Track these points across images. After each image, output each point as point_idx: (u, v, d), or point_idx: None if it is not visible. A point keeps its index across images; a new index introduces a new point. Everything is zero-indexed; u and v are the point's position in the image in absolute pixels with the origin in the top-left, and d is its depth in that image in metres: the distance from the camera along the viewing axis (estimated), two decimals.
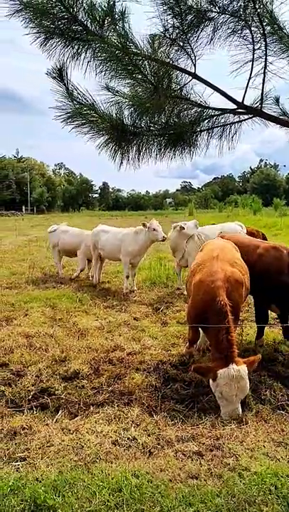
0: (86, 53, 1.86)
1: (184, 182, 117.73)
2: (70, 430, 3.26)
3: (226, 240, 5.17)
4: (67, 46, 1.87)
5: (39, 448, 3.02)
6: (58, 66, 1.87)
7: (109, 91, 1.92)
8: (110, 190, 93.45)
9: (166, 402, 3.80)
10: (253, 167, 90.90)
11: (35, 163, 76.25)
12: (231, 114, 1.97)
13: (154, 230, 7.89)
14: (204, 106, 1.95)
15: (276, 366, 4.49)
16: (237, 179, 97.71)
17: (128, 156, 2.05)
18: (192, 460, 2.88)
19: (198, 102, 1.94)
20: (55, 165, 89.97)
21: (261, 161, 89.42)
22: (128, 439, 3.13)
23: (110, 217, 42.23)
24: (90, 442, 3.06)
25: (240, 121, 2.01)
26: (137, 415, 3.49)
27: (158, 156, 2.05)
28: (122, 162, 2.07)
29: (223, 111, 1.95)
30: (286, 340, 5.33)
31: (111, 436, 3.15)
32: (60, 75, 1.87)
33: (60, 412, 3.62)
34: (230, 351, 3.57)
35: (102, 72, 1.84)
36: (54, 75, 1.88)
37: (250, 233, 7.68)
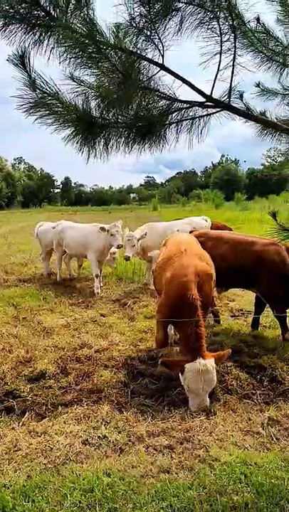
0: (49, 40, 1.76)
1: (148, 177, 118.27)
2: (37, 433, 3.17)
3: (189, 234, 5.25)
4: (29, 32, 1.77)
5: (6, 453, 2.92)
6: (20, 53, 1.76)
7: (74, 81, 1.83)
8: (73, 185, 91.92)
9: (135, 398, 3.80)
10: (214, 162, 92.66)
11: None
12: (200, 108, 1.96)
13: (112, 235, 7.42)
14: (173, 98, 1.91)
15: (242, 356, 4.59)
16: (199, 174, 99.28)
17: (95, 149, 1.98)
18: (163, 454, 2.89)
19: (168, 94, 1.90)
20: (14, 159, 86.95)
21: (223, 156, 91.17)
22: (98, 437, 3.09)
23: (73, 212, 41.53)
24: (59, 444, 3.00)
25: (209, 115, 2.00)
26: (107, 413, 3.46)
27: (126, 149, 2.00)
28: (89, 156, 2.00)
29: (192, 104, 1.92)
30: (251, 331, 5.49)
31: (81, 436, 3.09)
32: (22, 62, 1.76)
33: (26, 415, 3.50)
34: (198, 345, 3.62)
35: (66, 60, 1.75)
36: (16, 61, 1.77)
37: (216, 227, 7.81)
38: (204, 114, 1.98)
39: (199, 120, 1.99)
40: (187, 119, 1.97)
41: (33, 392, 3.91)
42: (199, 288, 3.91)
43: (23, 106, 1.83)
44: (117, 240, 7.39)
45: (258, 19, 2.19)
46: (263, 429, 3.16)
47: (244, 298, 7.27)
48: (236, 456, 2.77)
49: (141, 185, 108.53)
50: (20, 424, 3.36)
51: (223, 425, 3.24)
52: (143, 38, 1.74)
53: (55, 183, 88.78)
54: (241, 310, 6.70)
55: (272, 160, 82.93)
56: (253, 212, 25.16)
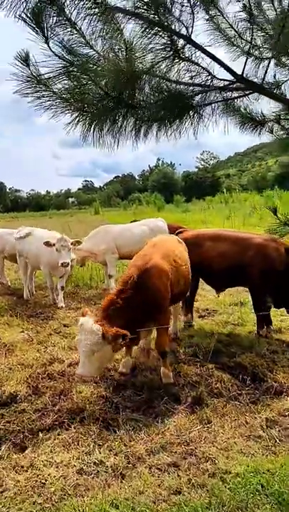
0: None
1: (86, 181, 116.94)
2: (23, 467, 2.78)
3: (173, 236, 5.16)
4: None
5: None
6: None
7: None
8: (8, 190, 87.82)
9: (122, 413, 3.52)
10: (151, 166, 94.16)
11: None
12: (227, 90, 1.80)
13: (57, 250, 6.44)
14: (211, 74, 1.73)
15: (221, 357, 4.53)
16: (137, 177, 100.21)
17: (119, 134, 1.74)
18: (169, 473, 2.67)
19: (205, 67, 1.71)
20: None
21: (158, 159, 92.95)
22: (94, 464, 2.78)
23: (11, 219, 39.57)
24: (51, 477, 2.64)
25: (242, 97, 1.84)
26: (97, 434, 3.15)
27: (159, 131, 1.77)
28: (117, 142, 1.75)
29: (228, 83, 1.75)
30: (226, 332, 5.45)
31: (74, 465, 2.76)
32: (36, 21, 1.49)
33: (3, 447, 3.08)
34: (101, 309, 3.81)
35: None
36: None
37: (171, 229, 7.74)
38: (236, 95, 1.82)
39: (233, 102, 1.82)
40: (222, 100, 1.79)
41: (5, 418, 3.47)
42: (145, 280, 3.90)
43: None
44: (62, 257, 6.40)
45: None
46: (263, 431, 3.08)
47: (206, 298, 7.30)
48: (246, 465, 2.64)
49: (79, 189, 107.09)
50: None
51: (223, 433, 3.10)
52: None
53: None
54: (207, 309, 6.69)
55: (206, 163, 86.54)
56: (194, 214, 25.87)
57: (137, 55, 1.62)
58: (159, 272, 4.05)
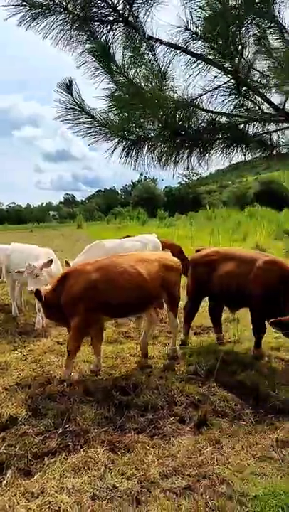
0: None
1: (67, 194, 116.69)
2: (33, 493, 2.67)
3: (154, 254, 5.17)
4: None
5: None
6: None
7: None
8: None
9: (127, 435, 3.46)
10: (134, 180, 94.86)
11: None
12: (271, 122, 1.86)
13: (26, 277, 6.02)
14: (261, 109, 1.79)
15: (222, 376, 4.52)
16: (119, 192, 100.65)
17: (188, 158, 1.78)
18: (185, 497, 2.63)
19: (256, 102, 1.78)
20: None
21: (141, 174, 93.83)
22: (107, 488, 2.71)
23: None
24: (64, 503, 2.55)
25: (282, 129, 1.91)
26: (107, 457, 3.07)
27: (221, 157, 1.82)
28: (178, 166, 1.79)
29: (272, 116, 1.82)
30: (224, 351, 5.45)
31: (87, 491, 2.68)
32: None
33: (8, 472, 2.96)
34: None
35: None
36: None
37: (168, 245, 7.77)
38: (277, 128, 1.89)
39: (274, 134, 1.89)
40: (265, 133, 1.85)
41: (6, 442, 3.35)
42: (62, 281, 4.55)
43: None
44: (29, 283, 5.90)
45: None
46: (275, 452, 3.07)
47: (200, 314, 7.29)
48: (263, 487, 2.63)
49: (60, 202, 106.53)
50: (4, 483, 2.82)
51: (235, 454, 3.08)
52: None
53: None
54: (201, 326, 6.69)
55: (188, 179, 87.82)
56: (179, 229, 26.11)
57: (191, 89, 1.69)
58: (76, 277, 4.46)
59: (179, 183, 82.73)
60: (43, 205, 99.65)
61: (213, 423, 3.63)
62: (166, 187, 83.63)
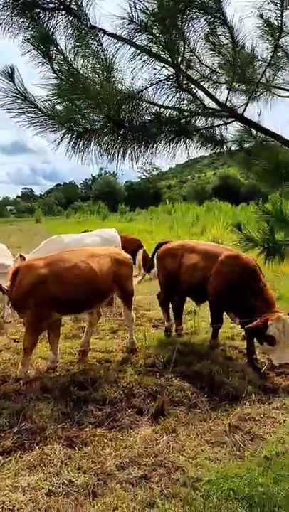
0: None
1: (25, 188, 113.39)
2: None
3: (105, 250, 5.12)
4: None
5: None
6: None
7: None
8: None
9: (85, 429, 3.45)
10: (93, 174, 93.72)
11: None
12: (212, 117, 1.89)
13: None
14: (201, 102, 1.80)
15: (179, 366, 4.61)
16: (79, 186, 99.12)
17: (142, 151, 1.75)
18: (141, 487, 2.67)
19: (198, 96, 1.79)
20: None
21: (101, 169, 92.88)
22: (63, 484, 2.69)
23: None
24: (18, 502, 2.51)
25: (226, 124, 1.94)
26: (63, 453, 3.05)
27: (167, 150, 1.82)
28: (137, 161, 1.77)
29: (216, 111, 1.84)
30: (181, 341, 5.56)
31: (42, 487, 2.65)
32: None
33: None
34: None
35: None
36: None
37: (128, 240, 7.77)
38: (221, 123, 1.92)
39: (216, 129, 1.91)
40: (208, 127, 1.87)
41: None
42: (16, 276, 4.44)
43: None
44: None
45: None
46: (227, 437, 3.19)
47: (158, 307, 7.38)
48: (216, 471, 2.72)
49: (18, 197, 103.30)
50: None
51: (189, 441, 3.17)
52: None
53: None
54: (160, 319, 6.77)
55: (148, 173, 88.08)
56: (139, 223, 26.19)
57: (129, 80, 1.68)
58: (25, 273, 4.40)
59: (139, 177, 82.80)
60: (0, 199, 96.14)
61: (170, 413, 3.71)
62: (126, 181, 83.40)
